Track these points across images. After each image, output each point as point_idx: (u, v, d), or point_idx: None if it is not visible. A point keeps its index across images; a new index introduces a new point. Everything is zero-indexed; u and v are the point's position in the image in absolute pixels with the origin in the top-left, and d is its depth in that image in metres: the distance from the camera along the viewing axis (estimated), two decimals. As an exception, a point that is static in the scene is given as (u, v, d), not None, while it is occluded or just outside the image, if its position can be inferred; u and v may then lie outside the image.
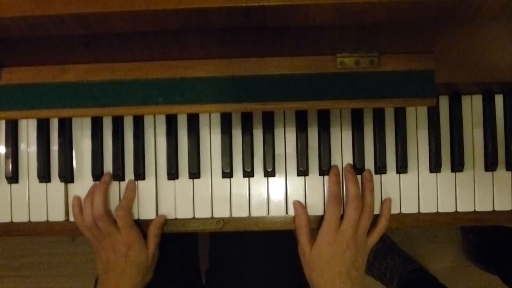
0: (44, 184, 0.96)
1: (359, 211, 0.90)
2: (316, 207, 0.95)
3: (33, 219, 0.97)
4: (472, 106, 0.96)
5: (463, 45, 0.82)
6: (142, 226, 0.96)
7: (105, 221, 0.91)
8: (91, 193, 0.93)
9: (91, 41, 0.80)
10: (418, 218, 0.95)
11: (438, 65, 0.84)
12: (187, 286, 1.16)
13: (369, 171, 0.94)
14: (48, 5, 0.69)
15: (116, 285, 0.92)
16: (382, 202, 0.95)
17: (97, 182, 0.95)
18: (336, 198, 0.91)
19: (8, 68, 0.85)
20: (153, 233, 0.94)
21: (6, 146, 0.96)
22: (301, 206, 0.94)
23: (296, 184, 0.96)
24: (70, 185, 0.97)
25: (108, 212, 0.92)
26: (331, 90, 0.83)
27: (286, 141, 0.96)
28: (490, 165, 0.95)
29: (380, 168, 0.94)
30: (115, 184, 0.96)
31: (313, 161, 0.95)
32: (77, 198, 0.95)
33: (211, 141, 0.96)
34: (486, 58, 0.84)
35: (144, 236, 0.95)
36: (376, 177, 0.95)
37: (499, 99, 0.96)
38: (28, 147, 0.97)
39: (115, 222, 0.92)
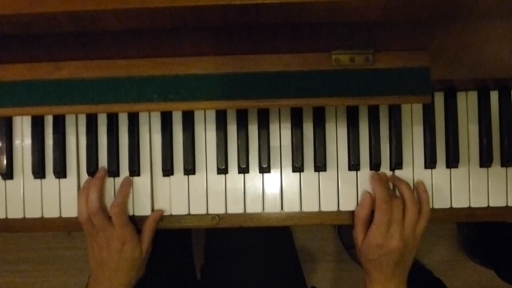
0: (38, 180, 0.96)
1: (400, 211, 0.90)
2: (311, 204, 0.95)
3: (28, 216, 0.96)
4: (467, 103, 0.96)
5: (458, 42, 0.82)
6: (136, 222, 0.95)
7: (99, 217, 0.91)
8: (86, 188, 0.93)
9: (85, 38, 0.80)
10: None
11: (433, 62, 0.84)
12: (182, 282, 1.16)
13: (394, 175, 0.96)
14: (41, 2, 0.68)
15: (110, 281, 0.92)
16: (417, 188, 0.95)
17: (92, 178, 0.95)
18: (385, 203, 0.89)
19: (2, 65, 0.85)
20: (149, 228, 0.94)
21: (1, 142, 0.96)
22: (369, 199, 0.92)
23: (291, 180, 0.96)
24: (65, 181, 0.96)
25: (103, 207, 0.92)
26: (326, 87, 0.83)
27: (281, 137, 0.96)
28: (485, 161, 0.95)
29: (375, 165, 0.94)
30: (109, 181, 0.96)
31: (308, 157, 0.95)
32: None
33: (206, 137, 0.96)
34: (481, 55, 0.84)
35: (138, 231, 0.95)
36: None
37: (494, 96, 0.96)
38: (23, 143, 0.97)
39: (109, 217, 0.92)
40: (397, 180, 0.93)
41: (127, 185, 0.95)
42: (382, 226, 0.89)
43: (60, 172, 0.95)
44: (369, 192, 0.94)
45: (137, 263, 0.93)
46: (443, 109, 0.96)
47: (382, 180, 0.92)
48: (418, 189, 0.94)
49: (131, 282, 0.93)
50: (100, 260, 0.92)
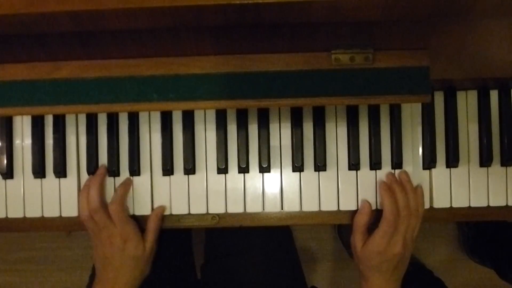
0: (39, 180, 0.96)
1: (408, 220, 0.90)
2: (311, 203, 0.95)
3: (28, 215, 0.96)
4: (467, 102, 0.96)
5: (458, 41, 0.82)
6: (139, 220, 0.96)
7: (101, 214, 0.91)
8: (87, 186, 0.93)
9: (85, 38, 0.80)
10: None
11: (433, 61, 0.84)
12: (182, 281, 1.16)
13: (406, 173, 0.94)
14: (41, 2, 0.68)
15: (114, 279, 0.92)
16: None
17: (92, 176, 0.95)
18: (392, 214, 0.89)
19: (2, 65, 0.85)
20: (152, 226, 0.94)
21: (1, 142, 0.96)
22: (368, 207, 0.93)
23: (291, 179, 0.96)
24: (65, 181, 0.96)
25: (104, 205, 0.92)
26: (326, 86, 0.83)
27: (281, 136, 0.96)
28: (485, 160, 0.95)
29: (375, 164, 0.94)
30: (110, 180, 0.96)
31: (308, 156, 0.95)
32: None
33: (206, 137, 0.96)
34: (481, 54, 0.84)
35: (141, 230, 0.95)
36: (371, 173, 0.95)
37: (494, 95, 0.96)
38: (23, 143, 0.97)
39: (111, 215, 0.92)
40: (406, 183, 0.93)
41: (124, 185, 0.95)
42: (386, 236, 0.89)
43: (60, 171, 0.95)
44: (367, 201, 0.94)
45: (141, 261, 0.93)
46: (443, 109, 0.96)
47: (391, 191, 0.91)
48: (416, 192, 0.94)
49: (135, 281, 0.93)
50: (104, 258, 0.92)
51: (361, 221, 0.92)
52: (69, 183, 0.96)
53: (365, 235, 0.92)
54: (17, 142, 0.97)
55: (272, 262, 1.10)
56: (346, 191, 0.95)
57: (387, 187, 0.92)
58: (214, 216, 0.96)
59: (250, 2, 0.68)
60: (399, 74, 0.83)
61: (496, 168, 0.96)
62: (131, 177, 0.96)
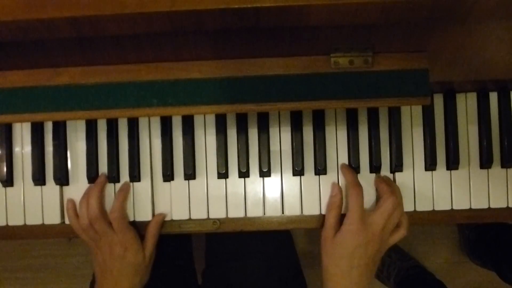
0: (39, 187, 0.96)
1: (395, 205, 0.87)
2: (312, 207, 0.95)
3: (28, 222, 0.96)
4: (467, 104, 0.96)
5: (457, 43, 0.82)
6: (138, 227, 0.95)
7: (100, 223, 0.90)
8: (86, 195, 0.93)
9: (84, 44, 0.80)
10: (414, 216, 0.95)
11: (432, 64, 0.84)
12: (184, 286, 1.16)
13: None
14: (40, 8, 0.68)
15: (114, 287, 0.92)
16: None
17: (93, 184, 0.95)
18: (356, 186, 0.89)
19: (1, 72, 0.85)
20: (152, 232, 0.94)
21: (1, 149, 0.96)
22: (339, 188, 0.93)
23: (291, 183, 0.95)
24: (65, 188, 0.96)
25: (103, 213, 0.92)
26: (325, 90, 0.83)
27: (281, 140, 0.96)
28: (485, 162, 0.95)
29: (375, 167, 0.94)
30: (110, 186, 0.95)
31: (308, 160, 0.95)
32: (71, 201, 0.94)
33: (206, 141, 0.96)
34: (480, 56, 0.84)
35: (141, 237, 0.95)
36: (371, 176, 0.95)
37: (493, 97, 0.96)
38: (23, 150, 0.97)
39: (110, 223, 0.92)
40: (378, 178, 0.94)
41: (124, 190, 0.94)
42: (359, 209, 0.87)
43: (61, 178, 0.95)
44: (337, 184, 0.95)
45: (140, 268, 0.93)
46: (442, 111, 0.96)
47: (350, 168, 0.93)
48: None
49: None
50: (103, 266, 0.92)
51: (336, 202, 0.92)
52: (70, 190, 0.96)
53: (338, 223, 0.90)
54: (16, 149, 0.97)
55: (273, 266, 1.10)
56: (347, 194, 0.95)
57: (347, 165, 0.94)
58: (215, 221, 0.96)
59: (249, 6, 0.68)
60: (398, 77, 0.83)
61: (496, 169, 0.95)
62: (131, 183, 0.96)
